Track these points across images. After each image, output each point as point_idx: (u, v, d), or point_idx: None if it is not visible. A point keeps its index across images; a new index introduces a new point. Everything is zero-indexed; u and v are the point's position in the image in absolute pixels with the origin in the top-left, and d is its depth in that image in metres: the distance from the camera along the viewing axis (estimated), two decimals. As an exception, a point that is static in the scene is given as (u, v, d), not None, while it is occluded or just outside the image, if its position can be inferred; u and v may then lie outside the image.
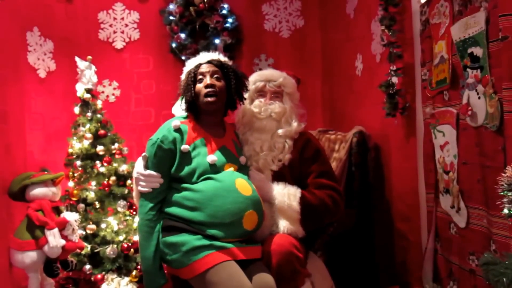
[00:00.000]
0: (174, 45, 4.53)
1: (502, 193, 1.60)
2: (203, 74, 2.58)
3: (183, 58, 4.40)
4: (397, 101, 3.16)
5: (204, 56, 2.67)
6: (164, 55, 4.61)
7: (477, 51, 2.22)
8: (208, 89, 2.52)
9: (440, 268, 2.75)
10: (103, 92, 4.56)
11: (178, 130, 2.54)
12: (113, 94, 4.61)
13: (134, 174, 2.57)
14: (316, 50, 4.69)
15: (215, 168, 2.49)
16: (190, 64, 2.69)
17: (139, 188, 2.52)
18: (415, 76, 3.04)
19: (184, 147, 2.49)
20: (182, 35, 4.51)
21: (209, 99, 2.53)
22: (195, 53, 4.25)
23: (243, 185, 2.45)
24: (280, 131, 2.73)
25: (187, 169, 2.47)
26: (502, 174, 1.61)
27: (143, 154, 2.57)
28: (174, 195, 2.48)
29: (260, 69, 3.42)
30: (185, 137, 2.52)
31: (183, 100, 2.62)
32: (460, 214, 2.48)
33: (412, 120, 3.10)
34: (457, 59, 2.42)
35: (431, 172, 2.81)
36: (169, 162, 2.50)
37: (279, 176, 2.68)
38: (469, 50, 2.28)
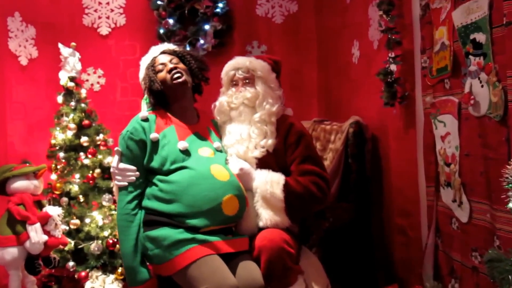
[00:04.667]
0: (162, 31, 4.49)
1: (506, 186, 1.58)
2: (161, 64, 2.65)
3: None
4: (396, 90, 3.15)
5: (155, 50, 2.78)
6: (151, 42, 4.38)
7: (480, 37, 2.20)
8: (173, 72, 2.59)
9: (441, 265, 2.75)
10: (87, 80, 4.53)
11: (146, 120, 2.60)
12: (98, 83, 4.58)
13: (111, 170, 2.64)
14: (311, 36, 4.67)
15: (187, 155, 2.54)
16: (144, 61, 2.79)
17: (116, 182, 2.57)
18: (415, 63, 3.02)
19: (153, 135, 2.54)
20: (171, 21, 4.48)
21: (178, 80, 2.59)
22: (184, 39, 4.41)
23: (219, 171, 2.50)
24: (255, 116, 2.77)
25: (158, 158, 2.52)
26: (507, 166, 1.60)
27: (116, 148, 2.63)
28: (151, 189, 2.53)
29: None
30: (153, 126, 2.58)
31: (149, 94, 2.69)
32: (462, 209, 2.47)
33: (412, 109, 3.09)
34: (459, 46, 2.40)
35: (432, 165, 2.80)
36: (143, 154, 2.55)
37: (264, 164, 2.71)
38: (472, 36, 2.25)
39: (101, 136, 3.97)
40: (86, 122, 3.92)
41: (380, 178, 3.51)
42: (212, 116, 2.90)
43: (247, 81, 2.82)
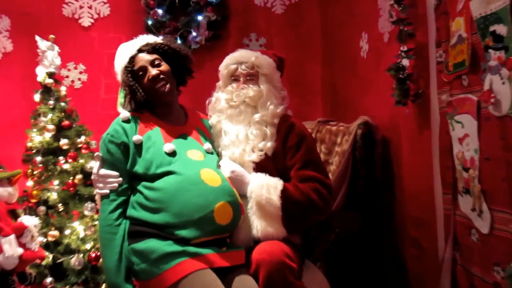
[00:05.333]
0: (150, 22, 4.51)
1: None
2: (141, 68, 2.65)
3: (160, 38, 4.25)
4: (408, 87, 3.13)
5: (131, 47, 2.73)
6: (138, 34, 4.35)
7: (501, 29, 2.19)
8: (156, 81, 2.63)
9: (460, 281, 2.73)
10: (67, 76, 4.54)
11: (128, 121, 2.63)
12: (79, 79, 4.59)
13: (92, 176, 2.65)
14: (314, 28, 4.67)
15: (174, 158, 2.55)
16: (120, 60, 2.74)
17: (97, 190, 2.59)
18: (429, 58, 3.00)
19: (136, 137, 2.56)
20: (160, 11, 4.49)
21: (164, 89, 2.64)
22: (174, 31, 4.40)
23: (210, 176, 2.50)
24: (256, 116, 2.78)
25: (142, 162, 2.53)
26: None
27: (96, 153, 2.64)
28: (136, 197, 2.54)
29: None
30: (137, 127, 2.61)
31: (129, 101, 2.71)
32: (482, 218, 2.46)
33: (426, 109, 3.06)
34: (478, 39, 2.38)
35: (449, 170, 2.79)
36: (125, 158, 2.57)
37: (261, 169, 2.72)
38: (491, 28, 2.25)
39: (82, 138, 3.98)
40: (66, 122, 3.94)
41: (391, 185, 3.50)
42: (201, 115, 2.92)
43: (250, 77, 2.84)
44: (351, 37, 4.05)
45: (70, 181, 3.83)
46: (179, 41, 4.31)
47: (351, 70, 4.05)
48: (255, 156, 2.74)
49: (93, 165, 3.72)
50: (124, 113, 2.63)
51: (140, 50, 2.70)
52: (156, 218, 2.42)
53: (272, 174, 2.69)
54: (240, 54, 2.90)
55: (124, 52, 2.73)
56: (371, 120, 3.48)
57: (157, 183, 2.48)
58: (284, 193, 2.62)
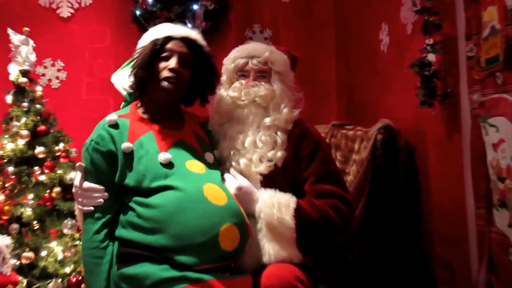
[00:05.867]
0: (138, 12, 4.56)
1: None
2: (171, 51, 2.65)
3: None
4: (435, 86, 3.16)
5: (177, 29, 2.72)
6: (125, 26, 4.65)
7: (540, 19, 2.15)
8: (170, 74, 2.60)
9: (495, 307, 2.68)
10: (44, 75, 4.60)
11: (115, 125, 2.61)
12: (57, 78, 4.65)
13: (73, 190, 2.62)
14: (327, 18, 4.69)
15: (171, 170, 2.52)
16: (158, 31, 2.72)
17: (79, 206, 2.57)
18: (459, 52, 3.02)
19: (125, 145, 2.54)
20: (149, 0, 4.53)
21: (166, 84, 2.61)
22: (166, 23, 4.30)
23: (214, 192, 2.48)
24: (266, 120, 2.78)
25: (133, 175, 2.51)
26: None
27: (78, 164, 2.62)
28: (126, 215, 2.51)
29: None
30: (125, 133, 2.58)
31: (132, 73, 2.67)
32: (520, 235, 2.40)
33: (455, 110, 3.08)
34: (514, 30, 2.36)
35: (482, 180, 2.79)
36: (112, 169, 2.55)
37: (270, 182, 2.72)
38: (529, 19, 2.21)
39: (61, 145, 3.99)
40: (42, 127, 3.95)
41: (416, 198, 3.52)
42: (200, 118, 2.92)
43: (261, 74, 2.85)
44: (369, 28, 4.07)
45: (46, 194, 3.82)
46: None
47: (370, 66, 4.08)
48: (263, 167, 2.74)
49: (74, 176, 3.60)
50: (111, 116, 2.61)
51: (182, 38, 2.69)
52: (151, 239, 2.39)
53: (282, 188, 2.69)
54: (253, 46, 2.91)
55: (166, 29, 2.73)
56: (393, 124, 3.51)
57: (153, 199, 2.45)
58: (298, 212, 2.61)
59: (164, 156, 2.53)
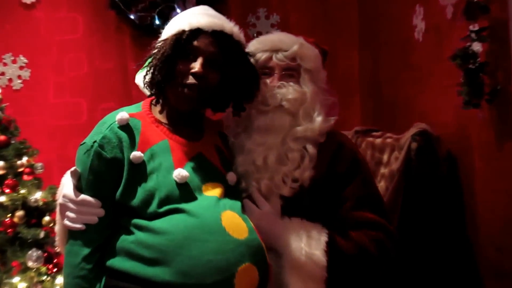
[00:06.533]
0: (117, -4, 4.54)
1: None
2: (196, 50, 2.37)
3: (132, 17, 4.15)
4: (482, 82, 3.00)
5: (208, 19, 2.42)
6: (101, 14, 4.41)
7: None
8: (193, 81, 2.32)
9: None
10: (3, 74, 4.38)
11: (126, 127, 2.33)
12: (19, 77, 4.41)
13: (59, 200, 2.36)
14: (348, 0, 4.50)
15: (186, 191, 2.28)
16: (185, 19, 2.43)
17: (67, 222, 2.30)
18: (510, 41, 2.86)
19: (135, 154, 2.27)
20: (131, -20, 4.52)
21: (186, 91, 2.33)
22: (151, 8, 4.17)
23: (235, 222, 2.26)
24: (299, 130, 2.52)
25: (141, 193, 2.26)
26: None
27: (73, 168, 2.37)
28: (123, 239, 2.26)
29: (258, 34, 3.40)
30: (137, 139, 2.33)
31: (149, 71, 2.44)
32: None
33: (507, 112, 2.94)
34: None
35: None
36: (114, 182, 2.30)
37: (294, 207, 2.47)
38: None
39: (24, 159, 3.79)
40: (1, 138, 3.70)
41: (460, 221, 3.31)
42: (220, 125, 2.69)
43: (288, 72, 2.55)
44: (400, 12, 3.93)
45: (7, 219, 3.58)
46: (157, 21, 4.13)
47: (401, 58, 3.93)
48: (287, 190, 2.45)
49: (39, 194, 3.62)
50: (122, 115, 2.33)
51: (212, 33, 2.37)
52: (150, 273, 2.13)
53: (309, 215, 2.45)
54: (278, 37, 2.64)
55: (193, 16, 2.42)
56: (431, 129, 3.37)
57: (158, 224, 2.19)
58: (331, 246, 2.36)
59: (181, 173, 2.26)
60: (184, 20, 2.46)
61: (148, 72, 2.46)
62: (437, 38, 3.50)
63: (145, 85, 2.51)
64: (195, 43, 2.37)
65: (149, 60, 2.51)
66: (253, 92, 2.56)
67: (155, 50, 2.47)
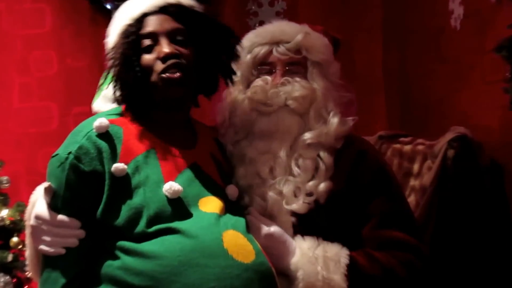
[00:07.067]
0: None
1: None
2: (153, 35, 2.30)
3: (108, 7, 4.16)
4: None
5: (140, 3, 2.38)
6: (72, 3, 4.48)
7: None
8: (169, 62, 2.23)
9: None
10: None
11: (105, 135, 2.25)
12: None
13: (31, 221, 2.25)
14: None
15: (179, 207, 2.19)
16: (125, 13, 2.38)
17: (43, 247, 2.18)
18: None
19: (118, 166, 2.18)
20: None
21: (168, 75, 2.22)
22: None
23: (239, 243, 2.18)
24: (307, 136, 2.43)
25: (125, 210, 2.17)
26: None
27: (46, 184, 2.26)
28: (107, 264, 2.17)
29: (261, 23, 3.37)
30: (118, 148, 2.25)
31: (116, 85, 2.33)
32: None
33: None
34: None
35: None
36: (94, 198, 2.22)
37: (308, 226, 2.39)
38: None
39: None
40: None
41: (508, 240, 3.21)
42: (214, 130, 2.61)
43: (292, 66, 2.47)
44: None
45: None
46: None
47: (435, 50, 3.95)
48: (299, 204, 2.35)
49: (6, 212, 3.75)
50: (101, 121, 2.24)
51: (161, 10, 2.34)
52: None
53: (326, 235, 2.35)
54: (278, 27, 2.58)
55: (133, 6, 2.38)
56: (471, 134, 3.28)
57: (148, 246, 2.10)
58: (352, 270, 2.28)
59: (172, 187, 2.17)
60: (123, 15, 2.37)
61: (115, 88, 2.34)
62: (478, 26, 3.53)
63: (116, 102, 2.42)
64: (148, 28, 2.30)
65: (108, 77, 2.38)
66: (236, 50, 2.44)
67: (111, 62, 2.35)
